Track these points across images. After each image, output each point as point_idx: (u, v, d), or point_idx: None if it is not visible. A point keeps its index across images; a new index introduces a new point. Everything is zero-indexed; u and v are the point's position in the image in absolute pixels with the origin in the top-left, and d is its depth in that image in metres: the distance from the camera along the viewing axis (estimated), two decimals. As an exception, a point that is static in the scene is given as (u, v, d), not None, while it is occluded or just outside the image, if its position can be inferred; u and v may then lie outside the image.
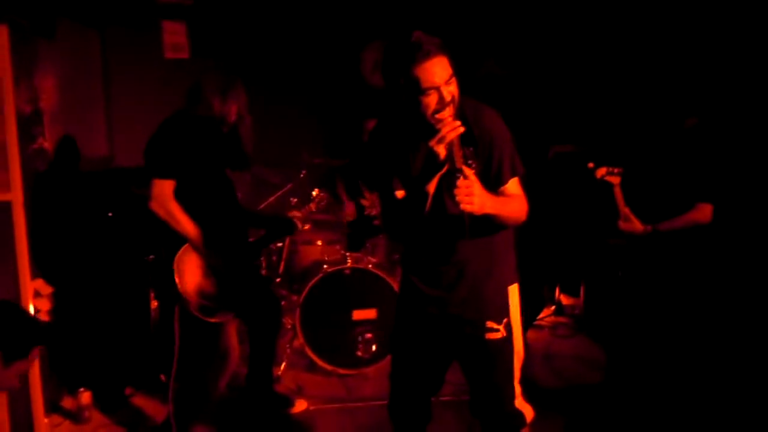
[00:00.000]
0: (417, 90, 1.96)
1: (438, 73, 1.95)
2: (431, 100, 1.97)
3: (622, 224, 3.29)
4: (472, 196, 1.90)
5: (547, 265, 4.66)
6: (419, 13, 4.96)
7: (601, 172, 3.34)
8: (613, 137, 4.23)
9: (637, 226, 3.24)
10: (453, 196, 1.90)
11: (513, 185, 2.16)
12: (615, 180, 3.31)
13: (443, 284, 2.22)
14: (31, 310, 2.94)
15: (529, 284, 4.11)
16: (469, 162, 2.07)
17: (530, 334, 4.48)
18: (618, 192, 3.31)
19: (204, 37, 5.05)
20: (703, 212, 3.18)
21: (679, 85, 3.75)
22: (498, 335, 2.21)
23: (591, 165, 3.37)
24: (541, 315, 4.79)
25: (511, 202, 2.14)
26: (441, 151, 1.94)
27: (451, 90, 1.98)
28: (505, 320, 2.22)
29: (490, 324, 2.21)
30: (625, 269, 3.55)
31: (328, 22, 5.30)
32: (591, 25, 4.72)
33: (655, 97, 3.84)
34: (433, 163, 1.98)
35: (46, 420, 3.10)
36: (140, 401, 3.56)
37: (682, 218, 3.20)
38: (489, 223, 2.09)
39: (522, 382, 2.30)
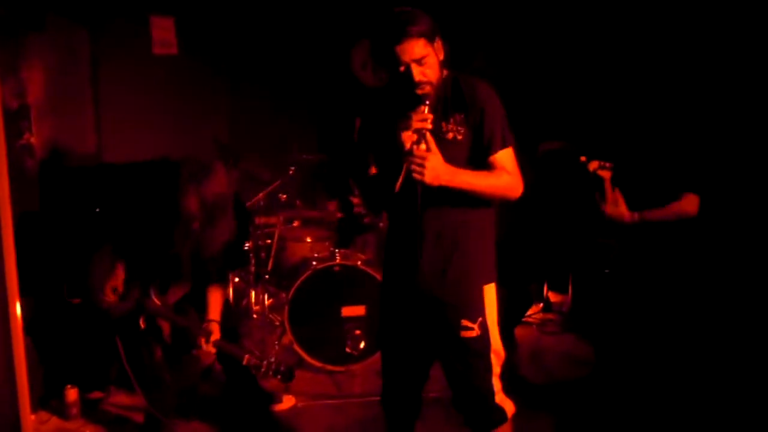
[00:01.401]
0: (395, 63, 2.04)
1: (415, 51, 2.02)
2: (406, 76, 2.04)
3: (609, 209, 3.28)
4: (424, 168, 1.95)
5: (535, 262, 4.68)
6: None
7: (593, 165, 3.34)
8: (602, 132, 4.24)
9: (625, 211, 3.24)
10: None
11: (505, 157, 2.14)
12: (606, 174, 3.31)
13: (418, 280, 2.22)
14: (17, 308, 2.92)
15: (517, 281, 4.16)
16: (459, 128, 2.12)
17: (518, 331, 4.50)
18: (608, 187, 3.31)
19: (193, 33, 5.03)
20: (690, 203, 3.18)
21: (667, 79, 3.78)
22: (472, 333, 2.22)
23: (583, 159, 3.37)
24: (529, 312, 4.81)
25: (490, 176, 2.12)
26: (407, 138, 2.02)
27: (424, 69, 2.05)
28: (479, 319, 2.23)
29: (464, 322, 2.21)
30: (613, 267, 3.56)
31: (318, 20, 5.30)
32: (580, 21, 4.74)
33: (643, 92, 3.86)
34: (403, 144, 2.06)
35: (33, 416, 3.09)
36: (126, 399, 3.55)
37: (668, 208, 3.20)
38: (463, 196, 2.10)
39: (503, 377, 2.31)
